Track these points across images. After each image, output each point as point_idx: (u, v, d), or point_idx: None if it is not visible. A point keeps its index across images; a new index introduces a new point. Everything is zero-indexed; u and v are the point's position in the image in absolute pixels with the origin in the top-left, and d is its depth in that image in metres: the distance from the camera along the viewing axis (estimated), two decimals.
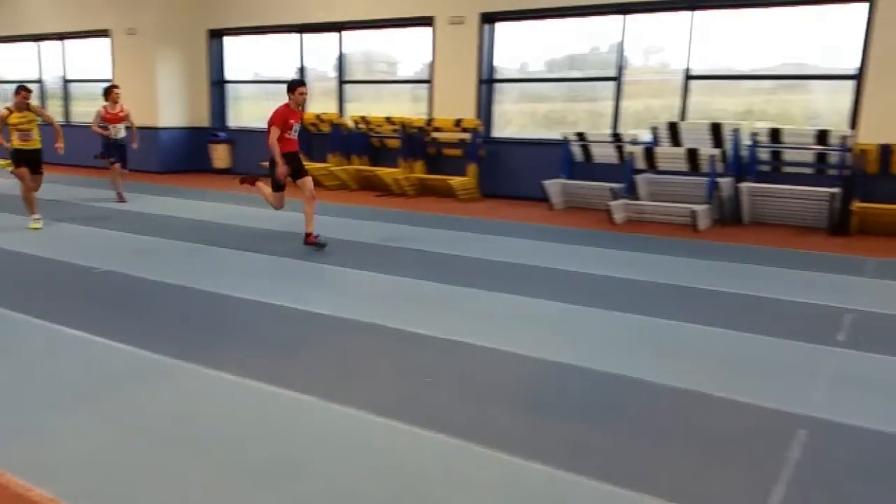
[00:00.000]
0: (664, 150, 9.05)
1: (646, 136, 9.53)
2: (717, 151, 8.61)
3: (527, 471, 2.68)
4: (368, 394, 3.40)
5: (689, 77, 9.56)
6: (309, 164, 11.99)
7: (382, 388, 3.49)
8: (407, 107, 12.35)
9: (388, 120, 11.45)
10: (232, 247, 6.86)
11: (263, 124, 14.45)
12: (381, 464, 2.74)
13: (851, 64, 8.47)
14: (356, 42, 12.77)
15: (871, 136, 8.19)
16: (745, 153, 8.85)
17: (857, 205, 7.92)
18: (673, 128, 9.18)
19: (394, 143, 11.63)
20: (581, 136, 9.95)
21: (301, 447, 2.86)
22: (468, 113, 11.01)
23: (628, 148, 9.31)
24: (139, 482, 2.58)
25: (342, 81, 12.79)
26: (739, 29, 9.46)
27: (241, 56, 14.29)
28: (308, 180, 6.93)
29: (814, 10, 8.83)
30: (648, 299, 5.22)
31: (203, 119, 14.32)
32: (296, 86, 6.82)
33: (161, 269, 5.89)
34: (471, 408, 3.28)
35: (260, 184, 7.36)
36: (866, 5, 8.24)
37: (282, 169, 6.72)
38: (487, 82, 11.12)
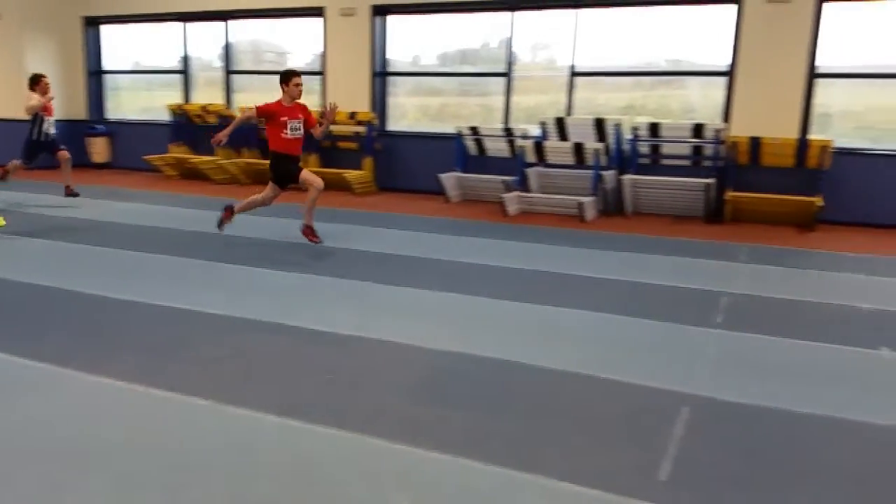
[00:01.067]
0: (552, 144, 9.34)
1: (535, 131, 9.80)
2: (600, 145, 8.97)
3: (427, 460, 2.71)
4: (264, 394, 3.32)
5: (574, 74, 9.89)
6: (196, 158, 11.63)
7: (279, 388, 3.42)
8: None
9: None
10: (114, 246, 6.52)
11: (145, 116, 13.88)
12: (280, 464, 2.69)
13: (724, 61, 9.01)
14: (243, 31, 12.40)
15: (741, 129, 8.76)
16: (626, 147, 9.26)
17: (730, 194, 8.46)
18: (560, 123, 9.49)
19: None
20: (474, 130, 10.11)
21: (193, 452, 2.76)
22: (362, 106, 10.94)
23: (519, 142, 9.54)
24: (11, 497, 2.42)
25: (229, 71, 12.40)
26: (621, 27, 9.88)
27: (120, 45, 13.57)
28: (308, 173, 6.42)
29: (689, 9, 9.33)
30: (540, 288, 5.38)
31: (80, 111, 13.50)
32: (290, 76, 6.13)
33: (39, 271, 5.52)
34: (369, 401, 3.27)
35: (244, 202, 6.62)
36: (735, 6, 8.79)
37: (219, 135, 6.22)
38: (381, 75, 11.08)
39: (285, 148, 6.31)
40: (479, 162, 10.28)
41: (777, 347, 4.18)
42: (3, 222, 7.06)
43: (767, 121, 8.66)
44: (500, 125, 10.31)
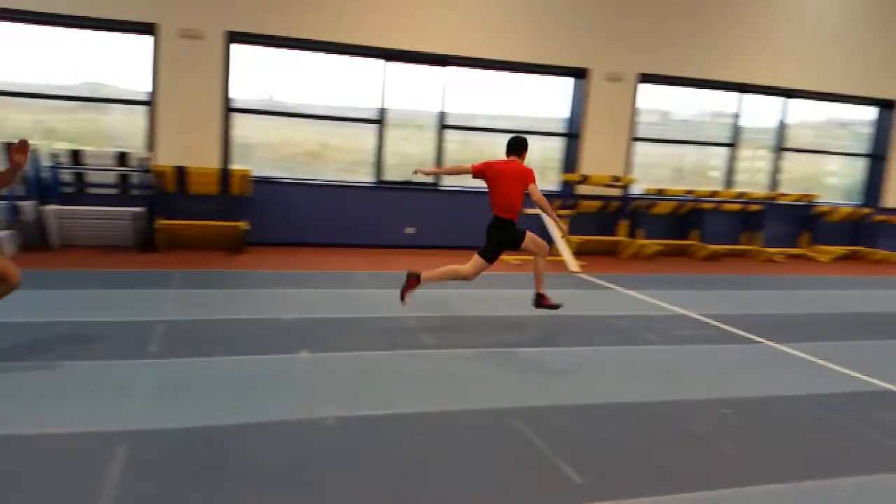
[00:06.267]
0: None
1: None
2: None
3: None
4: None
5: None
6: None
7: None
8: None
9: None
10: None
11: None
12: None
13: (145, 89, 9.01)
14: None
15: (167, 158, 8.92)
16: (46, 174, 8.49)
17: (160, 222, 8.54)
18: None
19: None
20: None
21: None
22: None
23: None
24: None
25: None
26: (37, 45, 8.96)
27: None
28: (532, 236, 5.92)
29: (107, 35, 9.01)
30: None
31: None
32: (527, 145, 5.98)
33: None
34: None
35: (438, 271, 5.76)
36: (151, 37, 8.87)
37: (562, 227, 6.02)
38: None
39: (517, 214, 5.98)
40: None
41: (211, 367, 4.44)
42: None
43: (191, 150, 9.04)
44: None
